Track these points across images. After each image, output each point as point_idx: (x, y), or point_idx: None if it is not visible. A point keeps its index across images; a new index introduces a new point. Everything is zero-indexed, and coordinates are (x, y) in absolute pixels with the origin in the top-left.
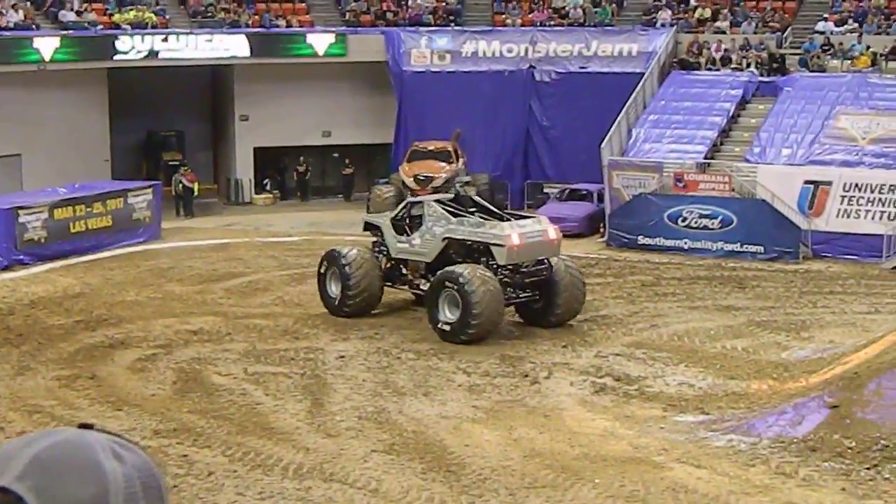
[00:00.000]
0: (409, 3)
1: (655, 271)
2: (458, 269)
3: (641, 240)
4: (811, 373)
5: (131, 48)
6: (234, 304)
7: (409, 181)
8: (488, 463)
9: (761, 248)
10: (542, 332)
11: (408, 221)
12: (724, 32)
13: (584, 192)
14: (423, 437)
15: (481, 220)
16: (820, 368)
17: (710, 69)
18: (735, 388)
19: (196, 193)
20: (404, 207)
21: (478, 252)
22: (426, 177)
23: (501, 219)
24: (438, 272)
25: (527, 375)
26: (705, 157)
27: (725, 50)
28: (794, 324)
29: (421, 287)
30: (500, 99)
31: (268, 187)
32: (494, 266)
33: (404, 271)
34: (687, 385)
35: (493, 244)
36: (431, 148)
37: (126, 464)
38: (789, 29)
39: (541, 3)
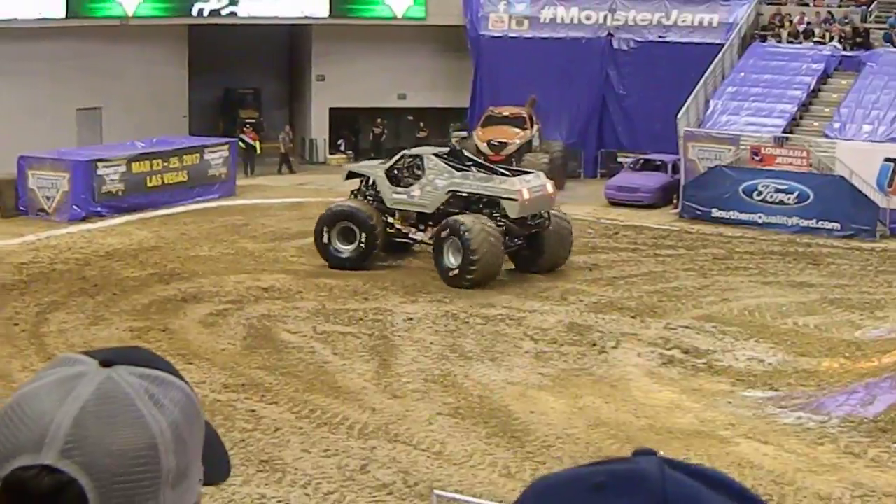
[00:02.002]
0: None
1: (728, 245)
2: (461, 218)
3: (715, 212)
4: (884, 353)
5: (212, 6)
6: (305, 263)
7: (483, 146)
8: (553, 431)
9: (837, 225)
10: (610, 301)
11: (405, 173)
12: (807, 5)
13: (659, 163)
14: (488, 402)
15: (487, 174)
16: (893, 348)
17: (791, 42)
18: (805, 366)
19: (259, 152)
20: (400, 158)
21: (482, 204)
22: (500, 142)
23: (498, 173)
24: (444, 221)
25: (594, 344)
26: (783, 132)
27: (808, 23)
28: (869, 303)
29: (410, 236)
30: (577, 66)
31: (342, 148)
32: (498, 217)
33: (390, 220)
34: (756, 360)
35: (506, 198)
36: (506, 114)
37: (166, 407)
38: (874, 3)
39: None
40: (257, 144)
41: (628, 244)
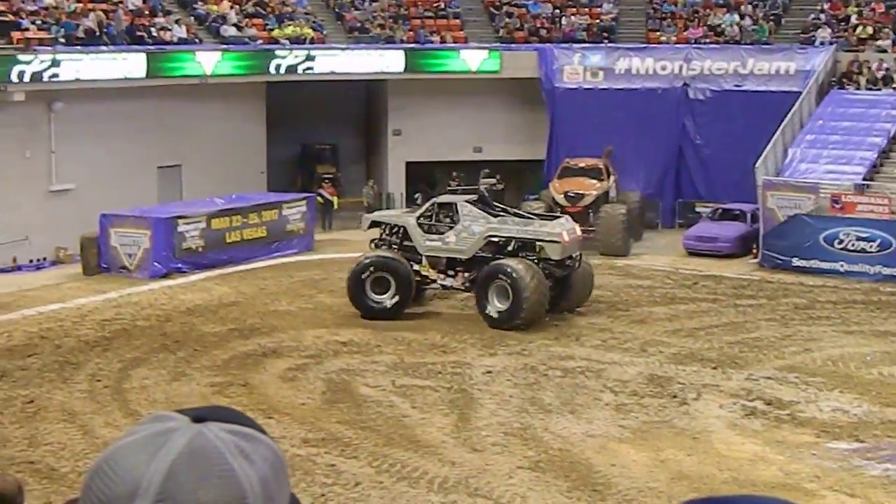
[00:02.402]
0: (563, 20)
1: (809, 294)
2: (508, 261)
3: (796, 261)
4: None
5: (289, 63)
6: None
7: (560, 198)
8: (634, 484)
9: None
10: (690, 352)
11: (438, 220)
12: (885, 51)
13: (737, 212)
14: (568, 456)
15: (522, 219)
16: None
17: (870, 88)
18: (892, 416)
19: (336, 207)
20: (431, 206)
21: (523, 248)
22: (576, 194)
23: (530, 218)
24: (489, 265)
25: (675, 396)
26: (864, 179)
27: (887, 69)
28: None
29: (440, 282)
30: (653, 116)
31: (418, 201)
32: (534, 260)
33: (415, 268)
34: (841, 411)
35: (549, 241)
36: (582, 165)
37: (256, 462)
38: None
39: (696, 20)
40: (335, 199)
41: (708, 294)
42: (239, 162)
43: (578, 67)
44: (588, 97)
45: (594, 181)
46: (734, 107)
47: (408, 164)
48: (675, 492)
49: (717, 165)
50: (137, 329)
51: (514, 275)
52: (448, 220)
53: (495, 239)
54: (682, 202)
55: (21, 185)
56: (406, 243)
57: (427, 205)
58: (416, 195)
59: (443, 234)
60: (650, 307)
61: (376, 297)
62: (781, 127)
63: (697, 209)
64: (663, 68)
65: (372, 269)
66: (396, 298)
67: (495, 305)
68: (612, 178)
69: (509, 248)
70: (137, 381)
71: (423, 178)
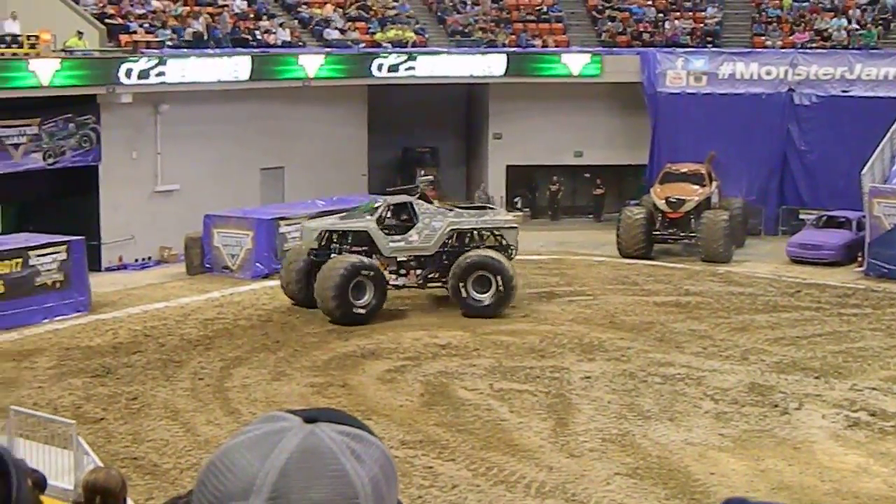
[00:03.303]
0: (666, 24)
1: None
2: (485, 253)
3: None
4: None
5: (391, 66)
6: (481, 321)
7: (661, 203)
8: (734, 493)
9: None
10: (792, 361)
11: (395, 221)
12: None
13: (843, 220)
14: (667, 463)
15: (473, 211)
16: None
17: None
18: None
19: None
20: (386, 209)
21: (479, 238)
22: (678, 199)
23: (473, 209)
24: (469, 260)
25: (777, 405)
26: None
27: None
28: None
29: (392, 283)
30: (757, 122)
31: (519, 205)
32: (499, 248)
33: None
34: None
35: (509, 228)
36: (685, 170)
37: (367, 463)
38: None
39: (802, 24)
40: (436, 203)
41: (811, 303)
42: (341, 164)
43: (681, 72)
44: (691, 102)
45: (696, 187)
46: (841, 113)
47: (508, 167)
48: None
49: (822, 172)
50: (239, 328)
51: (499, 265)
52: (406, 219)
53: (465, 230)
54: (785, 209)
55: (127, 185)
56: (355, 249)
57: (382, 207)
58: (516, 199)
59: (404, 234)
60: (752, 315)
61: (358, 303)
62: (889, 133)
63: (801, 216)
64: (768, 73)
65: (359, 273)
66: (374, 302)
67: (477, 295)
68: (714, 183)
69: (472, 239)
70: (238, 379)
71: (524, 181)
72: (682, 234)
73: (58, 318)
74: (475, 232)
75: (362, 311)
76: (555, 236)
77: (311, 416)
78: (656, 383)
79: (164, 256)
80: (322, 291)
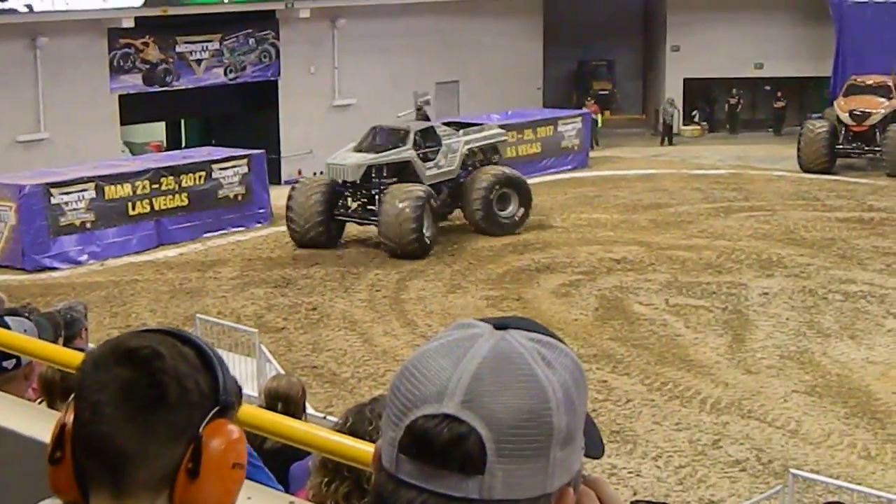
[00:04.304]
0: None
1: None
2: (506, 170)
3: None
4: None
5: None
6: (657, 235)
7: (844, 116)
8: None
9: None
10: None
11: (427, 148)
12: None
13: None
14: (847, 381)
15: (467, 128)
16: None
17: None
18: None
19: (600, 125)
20: (421, 136)
21: (482, 154)
22: (863, 112)
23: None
24: (497, 182)
25: None
26: None
27: None
28: None
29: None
30: None
31: (696, 119)
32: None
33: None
34: None
35: (501, 141)
36: (870, 82)
37: (557, 370)
38: None
39: None
40: (599, 117)
41: None
42: (515, 78)
43: None
44: (878, 11)
45: (882, 99)
46: None
47: (685, 80)
48: None
49: None
50: None
51: (520, 180)
52: (431, 144)
53: (475, 149)
54: None
55: (305, 100)
56: (386, 181)
57: (413, 136)
58: (694, 112)
59: (433, 159)
60: None
61: (503, 213)
62: None
63: None
64: None
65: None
66: (434, 231)
67: (505, 212)
68: None
69: (476, 159)
70: (414, 292)
71: (702, 95)
72: (866, 148)
73: (239, 230)
74: (477, 149)
75: (428, 241)
76: (733, 150)
77: (501, 324)
78: (837, 300)
79: None
80: (396, 226)
